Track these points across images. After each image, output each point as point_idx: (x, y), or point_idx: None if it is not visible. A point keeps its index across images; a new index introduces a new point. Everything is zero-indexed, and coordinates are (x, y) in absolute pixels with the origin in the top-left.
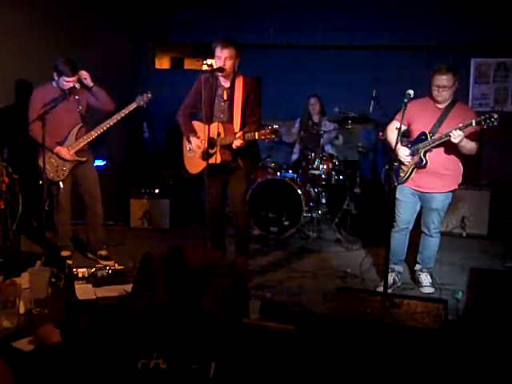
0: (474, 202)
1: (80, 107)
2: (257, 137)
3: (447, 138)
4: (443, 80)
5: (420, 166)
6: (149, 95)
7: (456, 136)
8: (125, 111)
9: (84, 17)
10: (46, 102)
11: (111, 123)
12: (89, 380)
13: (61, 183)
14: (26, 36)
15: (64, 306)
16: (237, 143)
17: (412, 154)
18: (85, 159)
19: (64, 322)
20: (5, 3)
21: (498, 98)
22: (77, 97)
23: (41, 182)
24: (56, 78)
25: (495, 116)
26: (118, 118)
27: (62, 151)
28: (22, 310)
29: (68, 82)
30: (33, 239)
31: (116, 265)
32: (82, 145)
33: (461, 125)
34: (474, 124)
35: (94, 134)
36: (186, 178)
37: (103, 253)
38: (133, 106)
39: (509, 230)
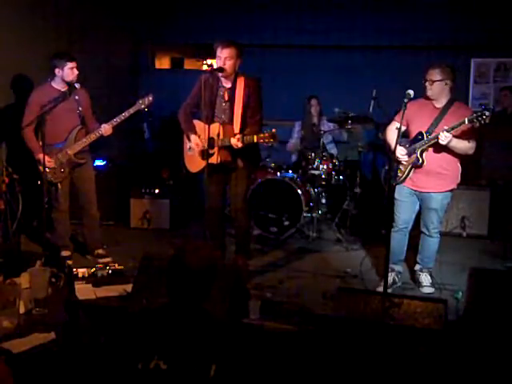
0: (473, 202)
1: (80, 108)
2: (255, 140)
3: (436, 140)
4: (431, 74)
5: (417, 165)
6: (150, 98)
7: (443, 138)
8: (125, 114)
9: (84, 17)
10: (45, 104)
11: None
12: (89, 380)
13: (59, 184)
14: (26, 37)
15: (64, 306)
16: (234, 144)
17: (409, 154)
18: (84, 161)
19: (64, 322)
20: (5, 3)
21: (498, 98)
22: (77, 97)
23: (39, 183)
24: (59, 73)
25: (487, 113)
26: (118, 120)
27: (43, 159)
28: (22, 310)
29: (73, 69)
30: (33, 239)
31: (116, 264)
32: (81, 147)
33: (446, 127)
34: (466, 122)
35: (93, 136)
36: (189, 175)
37: (100, 251)
38: (134, 109)
39: (509, 229)
